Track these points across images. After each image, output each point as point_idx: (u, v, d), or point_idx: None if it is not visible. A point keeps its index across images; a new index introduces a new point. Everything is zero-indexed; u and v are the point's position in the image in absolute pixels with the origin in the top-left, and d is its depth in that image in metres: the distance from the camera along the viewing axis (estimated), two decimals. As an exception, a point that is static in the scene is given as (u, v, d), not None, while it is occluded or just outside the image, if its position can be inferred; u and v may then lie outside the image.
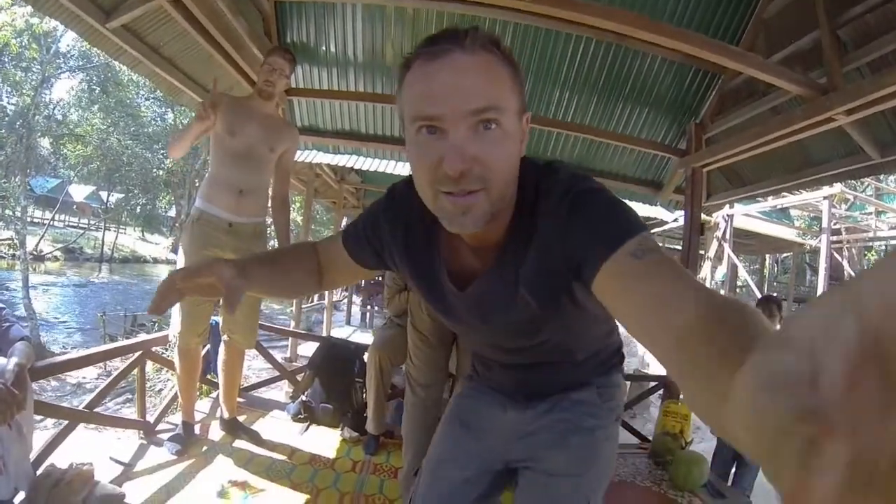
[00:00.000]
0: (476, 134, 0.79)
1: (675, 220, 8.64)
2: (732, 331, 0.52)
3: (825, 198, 10.94)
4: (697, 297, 0.63)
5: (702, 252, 14.61)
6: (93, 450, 2.68)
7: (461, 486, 1.37)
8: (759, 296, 4.78)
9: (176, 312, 2.67)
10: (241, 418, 3.30)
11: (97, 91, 15.92)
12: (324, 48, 3.90)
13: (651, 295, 0.69)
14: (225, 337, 2.92)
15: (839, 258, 13.93)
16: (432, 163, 0.80)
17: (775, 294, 14.66)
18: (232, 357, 3.00)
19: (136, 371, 3.07)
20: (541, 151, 4.64)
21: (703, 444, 4.70)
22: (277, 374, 4.00)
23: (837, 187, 10.76)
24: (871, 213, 13.99)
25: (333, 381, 3.50)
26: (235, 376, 3.10)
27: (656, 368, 7.79)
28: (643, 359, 10.68)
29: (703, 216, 4.71)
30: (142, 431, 2.98)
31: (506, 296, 1.02)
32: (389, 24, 3.69)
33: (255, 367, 8.17)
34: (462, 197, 0.81)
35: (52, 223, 32.62)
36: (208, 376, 3.58)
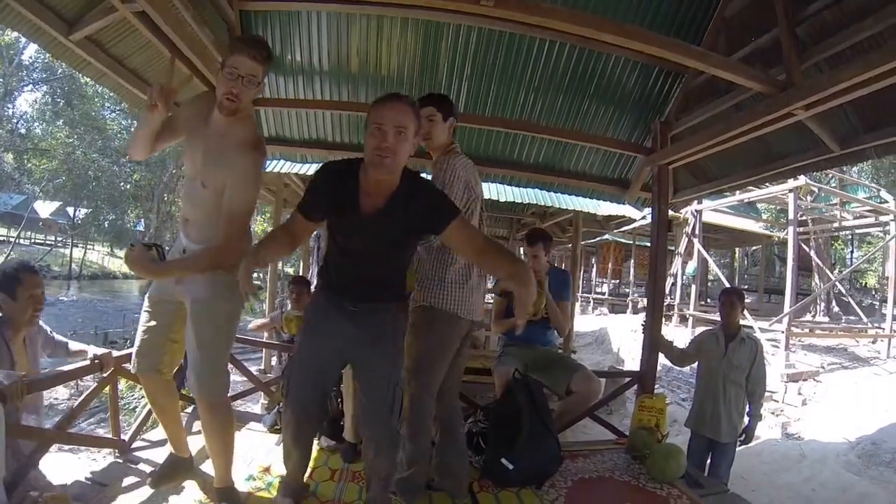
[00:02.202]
0: (397, 135, 1.84)
1: (644, 217, 8.79)
2: (503, 250, 2.10)
3: (791, 190, 11.17)
4: (486, 237, 2.11)
5: (672, 248, 14.88)
6: (68, 472, 2.64)
7: (318, 377, 2.22)
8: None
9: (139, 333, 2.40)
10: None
11: (61, 104, 15.62)
12: (290, 57, 3.88)
13: (473, 237, 2.01)
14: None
15: (807, 249, 14.25)
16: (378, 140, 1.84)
17: (740, 286, 14.91)
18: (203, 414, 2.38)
19: (108, 389, 2.99)
20: (507, 153, 4.69)
21: (680, 437, 4.77)
22: (252, 385, 3.96)
23: (802, 180, 10.99)
24: (835, 204, 14.34)
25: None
26: (213, 436, 2.38)
27: (631, 365, 7.90)
28: (618, 355, 10.80)
29: (672, 212, 4.80)
30: (117, 450, 2.93)
31: (385, 223, 1.97)
32: (355, 33, 3.69)
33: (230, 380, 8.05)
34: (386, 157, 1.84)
35: (17, 241, 31.78)
36: (181, 390, 3.46)
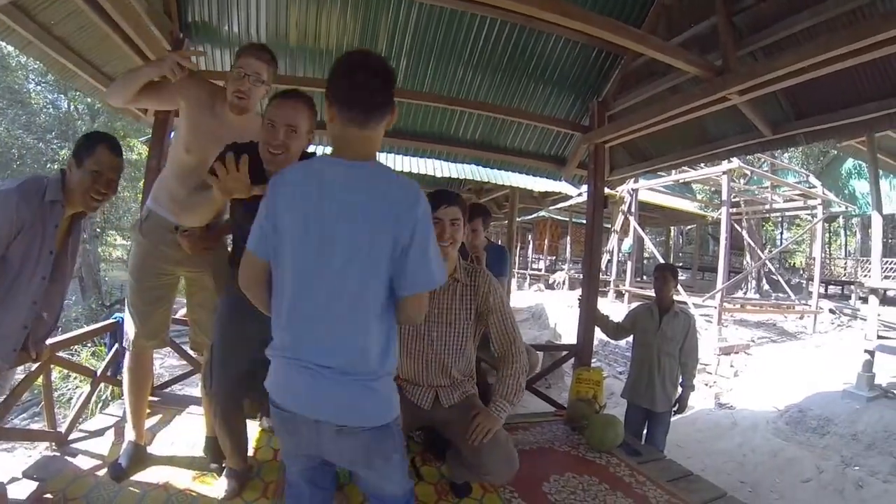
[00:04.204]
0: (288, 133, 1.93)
1: (580, 194, 8.94)
2: None
3: (724, 173, 11.61)
4: None
5: (608, 225, 15.25)
6: (3, 469, 2.52)
7: (239, 363, 2.19)
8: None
9: (130, 313, 2.53)
10: (156, 418, 3.17)
11: (-19, 76, 14.65)
12: (226, 28, 3.75)
13: None
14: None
15: (739, 229, 14.88)
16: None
17: (675, 263, 15.44)
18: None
19: (41, 379, 2.86)
20: (444, 129, 4.69)
21: (617, 409, 4.94)
22: (191, 368, 3.87)
23: (736, 163, 11.44)
24: (767, 188, 14.94)
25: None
26: None
27: (568, 340, 8.08)
28: (555, 330, 11.02)
29: (608, 190, 4.90)
30: (54, 443, 2.82)
31: None
32: (294, 5, 3.60)
33: (167, 364, 7.87)
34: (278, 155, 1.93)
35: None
36: (118, 377, 3.37)
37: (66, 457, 2.69)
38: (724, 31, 3.05)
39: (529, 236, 26.48)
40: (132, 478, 2.48)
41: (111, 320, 3.65)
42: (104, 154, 2.16)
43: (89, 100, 13.83)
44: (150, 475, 2.51)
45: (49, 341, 2.67)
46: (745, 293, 16.36)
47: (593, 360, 4.25)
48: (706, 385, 8.22)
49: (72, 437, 2.93)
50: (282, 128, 1.92)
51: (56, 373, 3.20)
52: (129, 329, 2.56)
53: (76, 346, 6.69)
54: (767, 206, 15.42)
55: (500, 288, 2.49)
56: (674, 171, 12.81)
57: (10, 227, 1.98)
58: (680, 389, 4.03)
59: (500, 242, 5.64)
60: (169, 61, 2.21)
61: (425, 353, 2.37)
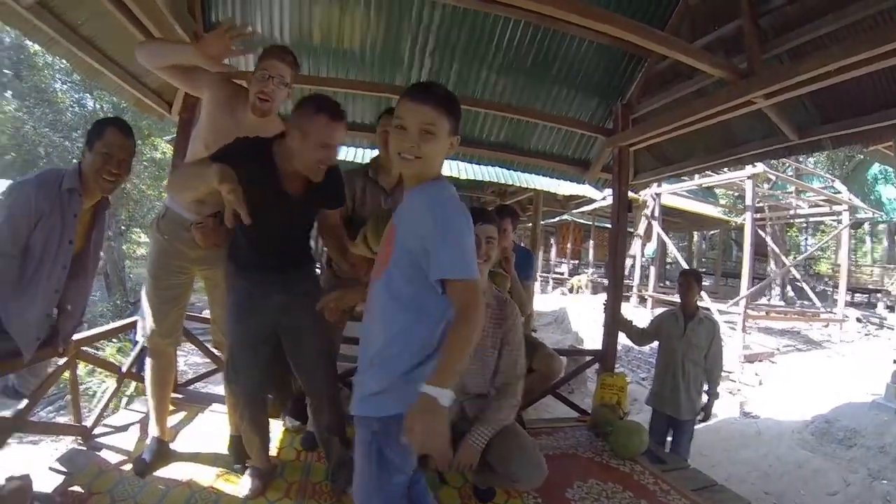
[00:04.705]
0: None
1: (604, 198, 8.89)
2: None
3: (749, 177, 11.46)
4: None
5: (631, 230, 15.13)
6: (29, 462, 2.56)
7: (260, 357, 2.28)
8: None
9: (147, 310, 2.55)
10: (180, 415, 3.22)
11: (10, 75, 14.93)
12: (250, 28, 3.76)
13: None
14: None
15: (763, 235, 14.68)
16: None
17: (698, 269, 15.26)
18: None
19: (67, 374, 2.91)
20: (468, 131, 4.66)
21: (640, 415, 4.89)
22: (215, 367, 3.90)
23: (760, 167, 11.27)
24: (791, 193, 14.72)
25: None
26: None
27: (591, 345, 8.02)
28: (577, 335, 10.94)
29: (631, 194, 4.85)
30: (79, 437, 2.86)
31: (306, 204, 2.16)
32: (318, 6, 3.60)
33: (191, 361, 7.95)
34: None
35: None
36: (142, 373, 3.42)
37: (92, 451, 2.73)
38: (750, 33, 2.99)
39: (552, 240, 26.40)
40: (156, 474, 2.51)
41: (136, 317, 3.68)
42: (114, 135, 2.24)
43: (115, 98, 14.00)
44: (174, 471, 2.55)
45: (75, 337, 2.74)
46: (769, 300, 16.12)
47: (616, 366, 4.20)
48: (730, 393, 8.12)
49: (97, 431, 2.97)
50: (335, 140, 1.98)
51: (81, 368, 3.25)
52: (146, 326, 2.58)
53: (101, 342, 6.77)
54: (792, 212, 15.20)
55: (521, 325, 2.49)
56: (697, 176, 12.68)
57: (29, 217, 2.05)
58: (705, 397, 3.97)
59: (523, 245, 5.60)
60: (207, 56, 2.18)
61: None
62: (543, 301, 15.00)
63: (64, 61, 3.67)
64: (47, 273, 2.17)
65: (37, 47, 12.60)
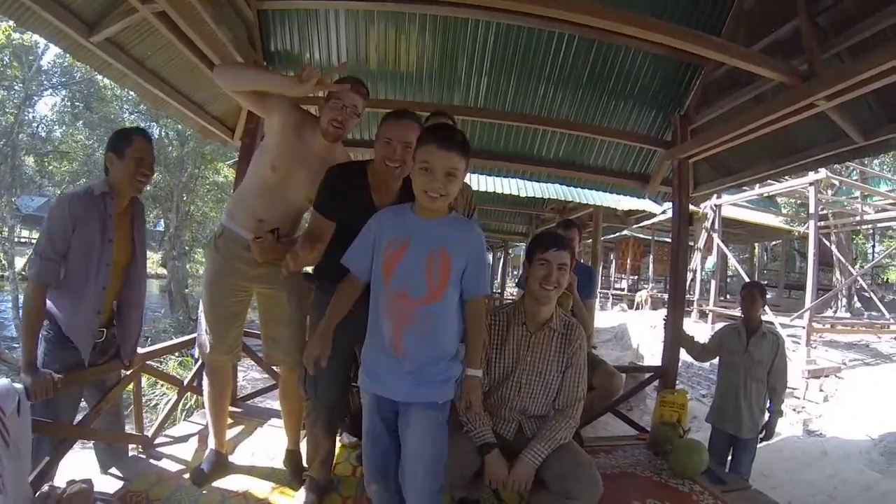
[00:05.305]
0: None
1: (664, 212, 8.69)
2: None
3: (811, 184, 10.98)
4: None
5: (691, 243, 14.73)
6: (90, 467, 2.67)
7: (341, 373, 2.39)
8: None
9: (204, 328, 2.63)
10: (238, 428, 3.30)
11: (81, 107, 15.79)
12: (308, 55, 3.89)
13: None
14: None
15: (827, 243, 14.05)
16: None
17: (758, 281, 14.72)
18: (284, 384, 2.80)
19: (132, 385, 3.03)
20: (527, 148, 4.68)
21: (700, 433, 4.73)
22: (273, 382, 3.98)
23: (823, 173, 10.81)
24: (857, 198, 14.10)
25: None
26: (290, 405, 2.78)
27: (650, 361, 7.82)
28: (637, 351, 10.71)
29: (692, 207, 4.74)
30: (140, 446, 2.97)
31: None
32: (374, 30, 3.69)
33: (250, 377, 8.15)
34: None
35: (39, 242, 32.06)
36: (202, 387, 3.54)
37: (151, 459, 2.85)
38: (808, 33, 2.88)
39: (612, 255, 26.12)
40: (213, 484, 2.59)
41: (195, 334, 3.81)
42: (142, 143, 2.48)
43: (179, 126, 14.67)
44: (231, 483, 2.62)
45: (140, 351, 2.88)
46: (834, 312, 15.38)
47: (676, 383, 4.09)
48: (794, 410, 7.75)
49: (157, 441, 3.08)
50: (399, 144, 2.07)
51: (144, 380, 3.39)
52: (204, 344, 2.65)
53: (164, 357, 7.02)
54: (858, 218, 14.47)
55: (586, 346, 2.46)
56: (757, 185, 12.28)
57: (67, 226, 2.27)
58: (767, 415, 3.80)
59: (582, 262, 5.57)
60: (299, 87, 2.18)
61: (511, 398, 2.36)
62: (603, 317, 14.82)
63: (132, 93, 3.87)
64: (94, 271, 2.35)
65: (106, 80, 13.34)
